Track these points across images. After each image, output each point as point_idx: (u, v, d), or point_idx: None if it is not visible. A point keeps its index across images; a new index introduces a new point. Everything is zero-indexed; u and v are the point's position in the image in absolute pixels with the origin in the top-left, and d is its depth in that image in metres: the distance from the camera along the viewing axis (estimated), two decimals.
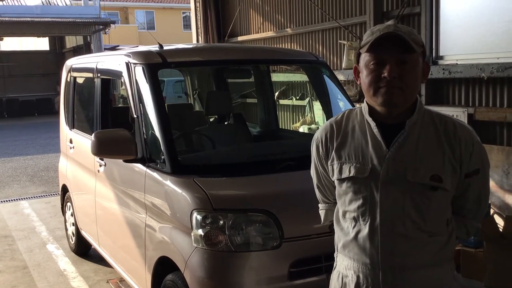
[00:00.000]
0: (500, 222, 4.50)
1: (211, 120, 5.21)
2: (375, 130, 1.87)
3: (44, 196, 8.54)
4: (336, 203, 2.01)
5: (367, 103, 1.91)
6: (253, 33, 9.48)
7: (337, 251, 2.01)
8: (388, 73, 1.77)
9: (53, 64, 27.88)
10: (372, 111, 1.89)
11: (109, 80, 4.68)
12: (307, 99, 8.16)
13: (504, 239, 4.15)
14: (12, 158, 12.61)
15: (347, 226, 1.92)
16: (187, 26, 30.38)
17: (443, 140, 1.85)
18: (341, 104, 4.36)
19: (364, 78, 1.84)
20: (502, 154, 4.88)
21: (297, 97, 8.48)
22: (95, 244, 4.88)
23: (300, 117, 8.37)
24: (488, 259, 4.21)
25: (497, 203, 4.91)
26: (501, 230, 4.26)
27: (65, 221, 5.88)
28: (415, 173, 1.81)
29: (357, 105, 2.12)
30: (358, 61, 1.90)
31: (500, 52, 5.00)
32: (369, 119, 1.89)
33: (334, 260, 2.04)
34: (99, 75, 4.60)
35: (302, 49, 8.04)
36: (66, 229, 5.85)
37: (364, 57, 1.84)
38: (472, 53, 5.30)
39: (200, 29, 10.48)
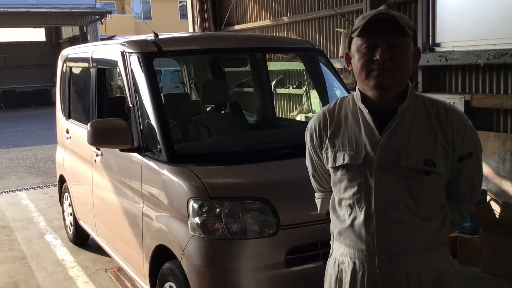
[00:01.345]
0: (496, 208, 4.51)
1: (207, 109, 5.21)
2: (368, 117, 1.86)
3: (42, 186, 8.55)
4: (331, 191, 2.01)
5: (359, 90, 1.91)
6: (250, 22, 9.44)
7: (333, 238, 2.01)
8: (380, 55, 1.77)
9: (49, 55, 27.78)
10: (364, 98, 1.89)
11: (105, 69, 4.66)
12: (304, 88, 8.15)
13: (501, 225, 4.17)
14: (10, 149, 12.61)
15: (343, 214, 1.93)
16: (183, 15, 30.22)
17: (435, 124, 1.85)
18: (338, 92, 4.35)
19: (356, 62, 1.84)
20: (498, 141, 4.88)
21: (294, 86, 8.47)
22: (93, 234, 4.89)
23: (297, 106, 8.36)
24: (484, 245, 4.23)
25: (494, 189, 4.93)
26: (497, 216, 4.28)
27: (63, 211, 5.89)
28: (408, 159, 1.81)
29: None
30: (349, 47, 1.90)
31: (496, 38, 4.99)
32: (362, 106, 1.88)
33: (330, 247, 2.04)
34: (94, 64, 4.58)
35: (298, 37, 8.02)
36: (64, 219, 5.86)
37: (356, 41, 1.84)
38: (469, 39, 5.29)
39: (196, 18, 10.44)
